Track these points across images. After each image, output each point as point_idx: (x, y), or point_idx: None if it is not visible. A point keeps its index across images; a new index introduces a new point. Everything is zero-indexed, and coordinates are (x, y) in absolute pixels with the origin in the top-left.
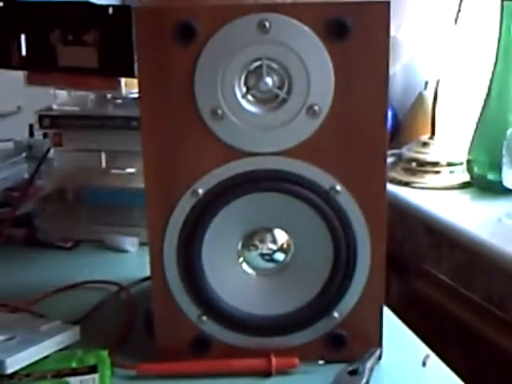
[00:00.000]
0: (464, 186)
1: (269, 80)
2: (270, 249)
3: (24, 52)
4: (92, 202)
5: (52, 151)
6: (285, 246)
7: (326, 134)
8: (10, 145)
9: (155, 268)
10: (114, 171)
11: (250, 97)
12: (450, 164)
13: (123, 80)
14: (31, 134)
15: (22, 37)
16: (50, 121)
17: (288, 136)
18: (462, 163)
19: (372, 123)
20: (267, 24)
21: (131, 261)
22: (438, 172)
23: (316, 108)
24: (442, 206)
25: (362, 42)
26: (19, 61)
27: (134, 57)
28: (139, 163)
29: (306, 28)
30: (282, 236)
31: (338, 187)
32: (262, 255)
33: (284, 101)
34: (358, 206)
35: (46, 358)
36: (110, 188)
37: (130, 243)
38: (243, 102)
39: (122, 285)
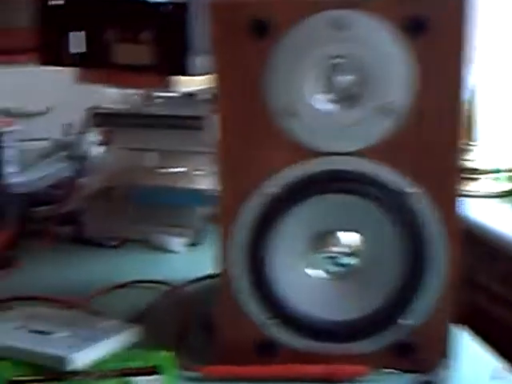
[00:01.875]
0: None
1: (344, 78)
2: (339, 252)
3: (77, 49)
4: (139, 201)
5: (97, 149)
6: (354, 249)
7: (403, 133)
8: (45, 144)
9: (223, 269)
10: (162, 170)
11: (323, 95)
12: (490, 171)
13: (175, 78)
14: (65, 133)
15: (76, 34)
16: (102, 119)
17: (362, 135)
18: (505, 170)
19: (448, 122)
20: (343, 21)
21: (178, 261)
22: (476, 179)
23: (392, 106)
24: (487, 214)
25: (440, 38)
26: (70, 58)
27: (189, 54)
28: (189, 162)
29: (382, 25)
30: (351, 239)
31: (414, 189)
32: (331, 259)
33: (359, 99)
34: (433, 210)
35: (106, 356)
36: (158, 187)
37: (177, 243)
38: (316, 100)
39: (173, 285)
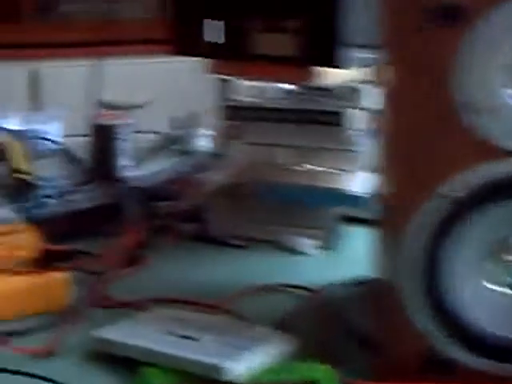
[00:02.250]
0: None
1: None
2: None
3: (213, 39)
4: (269, 199)
5: (207, 144)
6: None
7: None
8: (152, 137)
9: (392, 276)
10: (295, 168)
11: None
12: None
13: (319, 71)
14: (173, 126)
15: (212, 23)
16: (233, 111)
17: None
18: None
19: None
20: None
21: (310, 265)
22: None
23: None
24: None
25: None
26: (206, 48)
27: (341, 45)
28: (324, 160)
29: None
30: None
31: None
32: None
33: None
34: None
35: (261, 367)
36: (290, 185)
37: (309, 246)
38: (509, 94)
39: (315, 290)
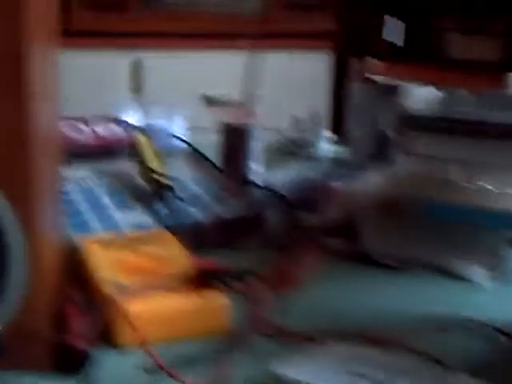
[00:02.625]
0: None
1: None
2: None
3: (393, 40)
4: (431, 218)
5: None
6: None
7: None
8: (274, 138)
9: None
10: (469, 185)
11: None
12: None
13: None
14: (295, 128)
15: (393, 22)
16: (406, 121)
17: None
18: None
19: None
20: None
21: (485, 297)
22: None
23: None
24: None
25: None
26: (383, 49)
27: None
28: (501, 179)
29: None
30: None
31: None
32: None
33: None
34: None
35: None
36: (462, 205)
37: (483, 275)
38: None
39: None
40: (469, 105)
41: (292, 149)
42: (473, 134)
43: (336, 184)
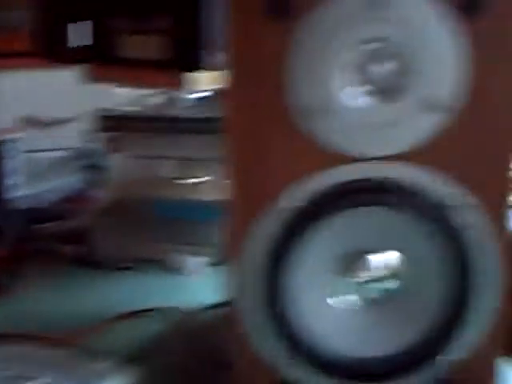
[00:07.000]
0: None
1: (381, 66)
2: (371, 277)
3: (80, 42)
4: (155, 216)
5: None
6: (390, 272)
7: (452, 134)
8: (60, 153)
9: (233, 297)
10: (180, 181)
11: (357, 88)
12: None
13: (190, 76)
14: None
15: (78, 25)
16: (110, 123)
17: (402, 136)
18: None
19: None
20: None
21: (196, 284)
22: None
23: (439, 102)
24: None
25: (499, 22)
26: (71, 53)
27: (204, 47)
28: (211, 172)
29: (428, 3)
30: (385, 262)
31: (466, 201)
32: (363, 284)
33: (398, 93)
34: (488, 227)
35: None
36: (176, 201)
37: (196, 264)
38: (348, 94)
39: (183, 313)
40: (163, 103)
41: (75, 161)
42: (179, 130)
43: (90, 193)
